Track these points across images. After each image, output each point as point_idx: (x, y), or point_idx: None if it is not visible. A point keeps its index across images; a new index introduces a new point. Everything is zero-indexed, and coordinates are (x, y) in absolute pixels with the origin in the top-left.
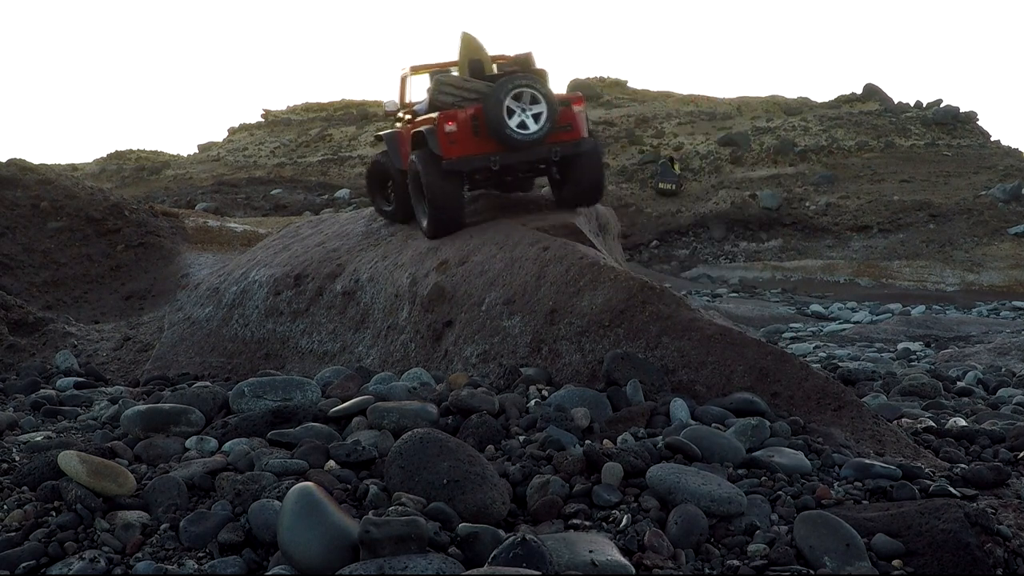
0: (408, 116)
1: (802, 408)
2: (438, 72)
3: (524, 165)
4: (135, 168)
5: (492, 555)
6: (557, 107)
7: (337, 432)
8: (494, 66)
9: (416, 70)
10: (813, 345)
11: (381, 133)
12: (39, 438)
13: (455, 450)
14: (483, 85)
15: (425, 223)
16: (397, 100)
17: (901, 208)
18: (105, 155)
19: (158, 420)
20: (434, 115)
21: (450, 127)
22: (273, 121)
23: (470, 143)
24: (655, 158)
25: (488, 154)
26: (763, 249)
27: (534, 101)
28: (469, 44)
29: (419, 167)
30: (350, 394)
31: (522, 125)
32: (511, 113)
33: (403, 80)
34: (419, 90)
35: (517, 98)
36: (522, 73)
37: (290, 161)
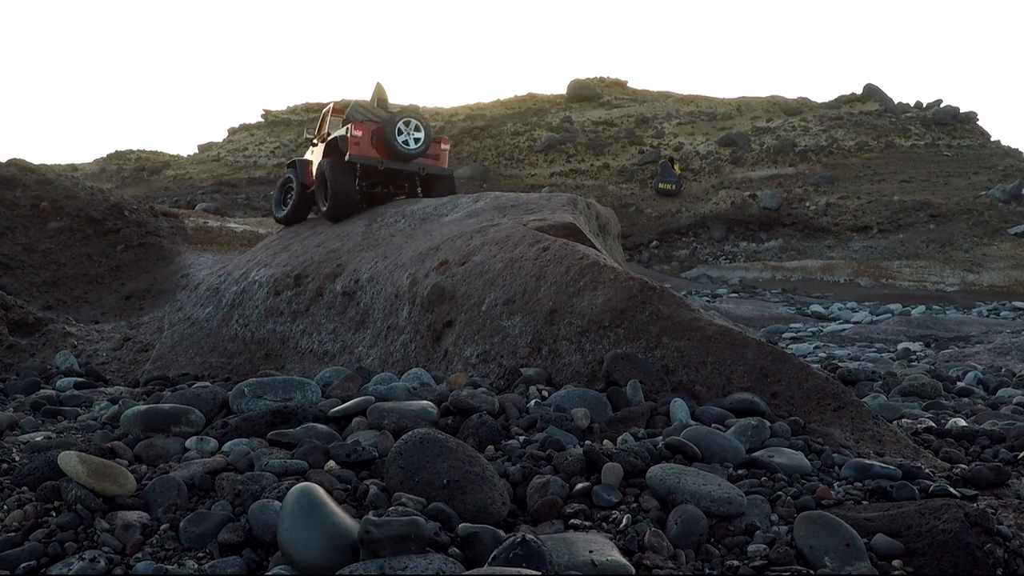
0: (321, 143)
1: (802, 408)
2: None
3: (399, 173)
4: (135, 168)
5: (492, 555)
6: (432, 137)
7: (337, 432)
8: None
9: (335, 112)
10: (813, 345)
11: (293, 160)
12: (39, 438)
13: (455, 450)
14: (384, 113)
15: (325, 208)
16: (315, 130)
17: (901, 208)
18: (105, 155)
19: (158, 420)
20: (346, 128)
21: (356, 133)
22: (273, 121)
23: (367, 148)
24: (655, 158)
25: (378, 158)
26: (763, 249)
27: (417, 129)
28: (379, 90)
29: (326, 167)
30: (350, 394)
31: (406, 142)
32: (400, 132)
33: (324, 116)
34: (335, 126)
35: (406, 124)
36: (412, 111)
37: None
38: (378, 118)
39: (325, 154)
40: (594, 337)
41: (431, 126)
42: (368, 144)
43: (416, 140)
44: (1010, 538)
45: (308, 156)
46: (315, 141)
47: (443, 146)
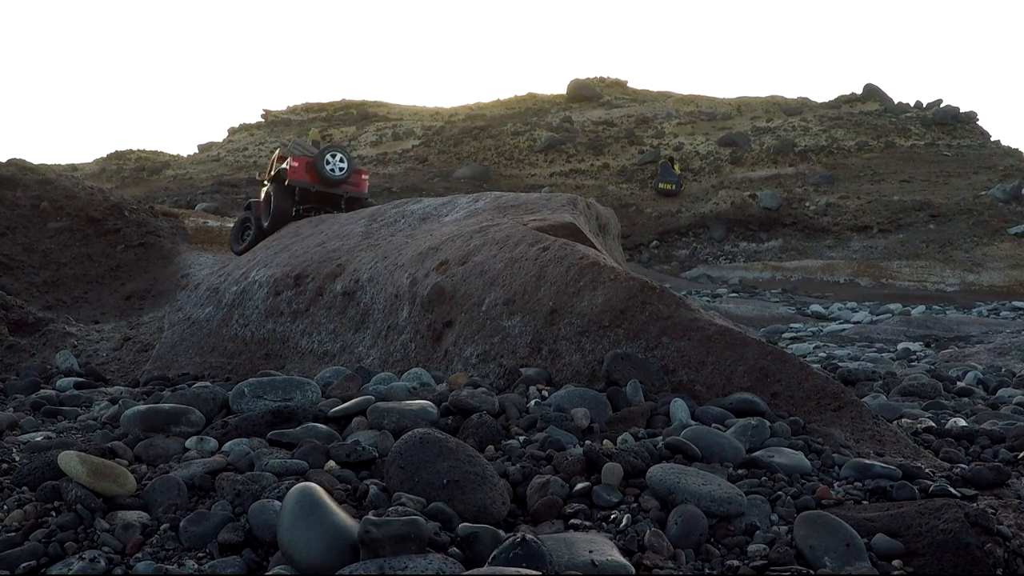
0: (270, 182)
1: (802, 408)
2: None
3: (329, 196)
4: (135, 168)
5: (492, 555)
6: (353, 166)
7: (337, 432)
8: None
9: (280, 158)
10: (813, 345)
11: (250, 201)
12: (39, 438)
13: (455, 450)
14: (315, 149)
15: (267, 223)
16: (267, 173)
17: (901, 208)
18: (105, 155)
19: (158, 420)
20: (286, 160)
21: (295, 164)
22: (273, 121)
23: (303, 175)
24: (655, 158)
25: (310, 183)
26: (763, 249)
27: (341, 160)
28: (314, 134)
29: (272, 190)
30: (350, 394)
31: (332, 170)
32: (328, 163)
33: (272, 161)
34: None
35: (332, 156)
36: (338, 147)
37: (247, 204)
38: (311, 153)
39: (272, 180)
40: (594, 337)
41: (353, 159)
42: (303, 172)
43: (340, 168)
44: (1010, 538)
45: (256, 199)
46: (265, 182)
47: (363, 176)
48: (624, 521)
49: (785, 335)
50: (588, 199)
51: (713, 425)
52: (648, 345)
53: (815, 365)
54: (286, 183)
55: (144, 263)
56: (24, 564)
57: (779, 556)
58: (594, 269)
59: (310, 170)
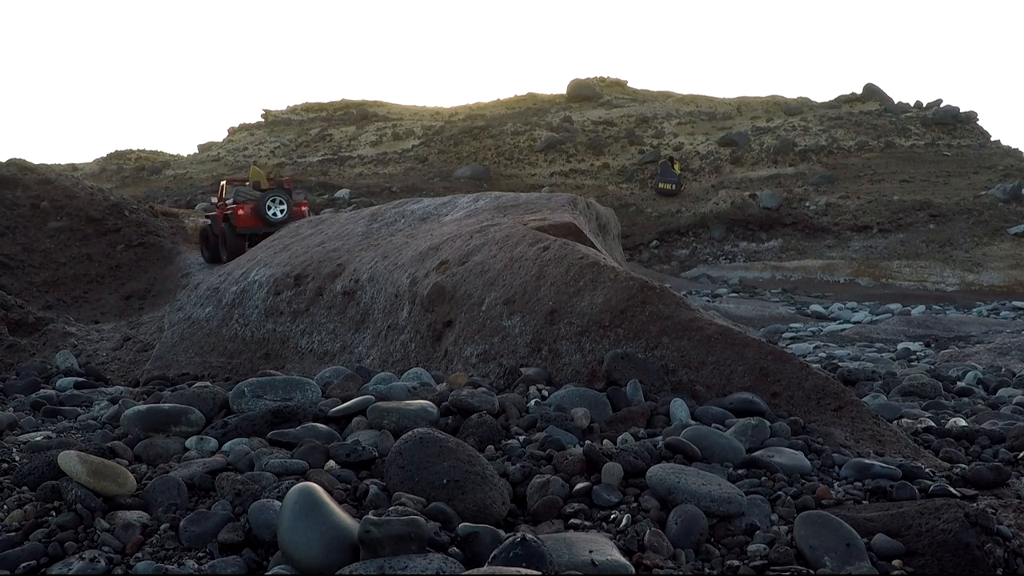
0: (221, 206)
1: (802, 408)
2: (237, 184)
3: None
4: (135, 168)
5: (492, 555)
6: (292, 206)
7: (337, 432)
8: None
9: (229, 182)
10: (813, 345)
11: (207, 214)
12: (39, 438)
13: (455, 450)
14: (258, 194)
15: (225, 256)
16: (219, 195)
17: (901, 208)
18: (105, 155)
19: (158, 420)
20: (234, 205)
21: (241, 212)
22: (273, 121)
23: (249, 220)
24: (655, 158)
25: (257, 226)
26: (763, 249)
27: (281, 203)
28: (256, 172)
29: (225, 229)
30: (350, 394)
31: (274, 214)
32: (269, 208)
33: (221, 187)
34: (230, 193)
35: (273, 201)
36: (277, 189)
37: (290, 161)
38: (254, 198)
39: (223, 219)
40: (594, 337)
41: (291, 199)
42: (250, 218)
43: (281, 211)
44: (1010, 538)
45: (213, 213)
46: (217, 204)
47: (303, 208)
48: (624, 521)
49: (785, 335)
50: (588, 199)
51: (713, 425)
52: (648, 345)
53: (815, 365)
54: (236, 229)
55: (144, 263)
56: (24, 564)
57: (779, 556)
58: (594, 269)
59: (254, 215)
